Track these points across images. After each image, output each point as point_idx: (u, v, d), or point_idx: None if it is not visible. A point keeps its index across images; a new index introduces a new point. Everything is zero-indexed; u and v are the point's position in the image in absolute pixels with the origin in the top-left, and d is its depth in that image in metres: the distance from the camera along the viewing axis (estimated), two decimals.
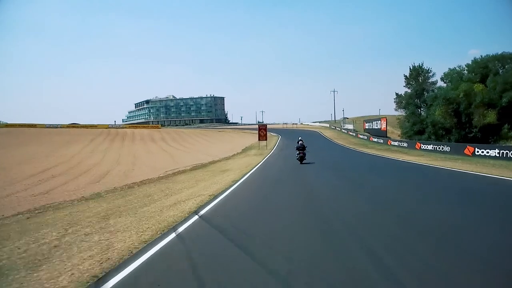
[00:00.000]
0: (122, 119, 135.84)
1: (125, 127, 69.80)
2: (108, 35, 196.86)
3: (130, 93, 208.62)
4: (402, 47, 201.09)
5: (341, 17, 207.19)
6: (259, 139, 32.95)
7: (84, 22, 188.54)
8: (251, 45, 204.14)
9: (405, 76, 37.91)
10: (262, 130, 32.83)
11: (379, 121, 41.67)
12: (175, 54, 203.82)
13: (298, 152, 16.05)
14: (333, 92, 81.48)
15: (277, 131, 60.18)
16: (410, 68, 37.53)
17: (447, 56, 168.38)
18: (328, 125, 71.81)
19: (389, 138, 35.51)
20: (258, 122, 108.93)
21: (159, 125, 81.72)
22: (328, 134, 53.59)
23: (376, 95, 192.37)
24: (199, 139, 53.04)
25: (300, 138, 17.46)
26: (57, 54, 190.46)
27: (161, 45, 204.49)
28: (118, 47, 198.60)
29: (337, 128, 61.06)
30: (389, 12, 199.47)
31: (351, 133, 50.64)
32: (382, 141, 34.95)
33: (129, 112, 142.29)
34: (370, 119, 48.85)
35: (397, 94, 38.33)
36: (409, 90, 37.37)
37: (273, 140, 43.20)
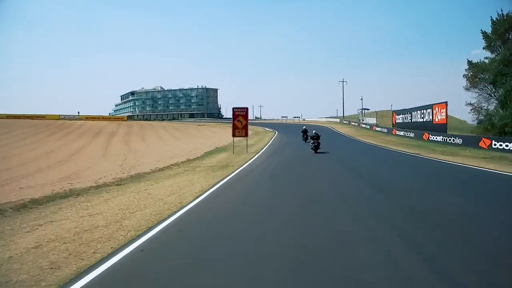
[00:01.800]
0: (109, 113, 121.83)
1: (82, 119, 55.17)
2: (97, 27, 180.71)
3: (123, 85, 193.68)
4: (402, 45, 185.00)
5: (342, 12, 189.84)
6: (233, 135, 18.04)
7: (72, 14, 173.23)
8: (249, 39, 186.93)
9: (484, 33, 22.74)
10: (241, 119, 17.91)
11: (429, 110, 26.40)
12: (172, 47, 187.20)
13: (312, 141, 15.31)
14: (341, 83, 65.06)
15: (275, 126, 46.11)
16: (492, 20, 22.43)
17: (449, 55, 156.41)
18: (338, 120, 57.36)
19: (473, 136, 20.26)
20: (256, 117, 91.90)
21: (125, 117, 66.66)
22: (343, 130, 38.77)
23: (381, 91, 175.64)
24: (165, 135, 38.37)
25: (304, 127, 17.83)
26: (46, 47, 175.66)
27: (159, 38, 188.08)
28: (112, 40, 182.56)
29: (353, 123, 47.33)
30: (390, 10, 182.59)
31: (378, 129, 35.76)
32: (459, 140, 18.99)
33: (115, 105, 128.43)
34: (406, 110, 33.58)
35: (470, 62, 23.15)
36: (492, 55, 22.29)
37: (266, 138, 28.43)
